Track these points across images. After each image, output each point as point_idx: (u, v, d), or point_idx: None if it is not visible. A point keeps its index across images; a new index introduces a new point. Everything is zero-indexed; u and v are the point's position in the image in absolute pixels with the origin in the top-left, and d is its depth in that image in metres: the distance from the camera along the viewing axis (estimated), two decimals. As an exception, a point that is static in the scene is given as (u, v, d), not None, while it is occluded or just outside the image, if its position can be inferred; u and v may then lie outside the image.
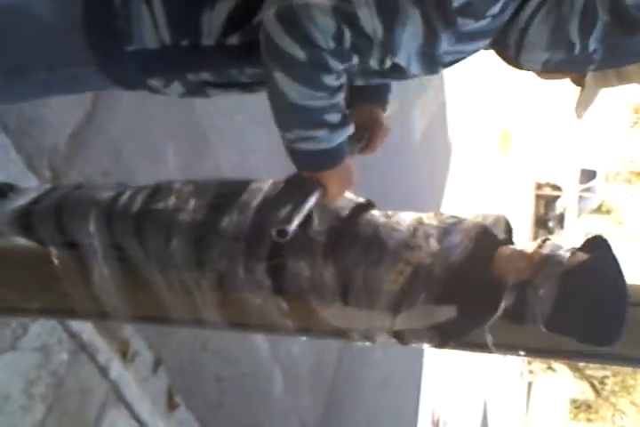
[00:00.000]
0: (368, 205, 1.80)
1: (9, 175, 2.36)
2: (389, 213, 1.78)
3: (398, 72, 1.43)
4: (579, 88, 1.56)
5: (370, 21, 1.29)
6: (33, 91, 1.62)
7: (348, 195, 1.80)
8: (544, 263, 1.60)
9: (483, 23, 1.33)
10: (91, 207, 1.81)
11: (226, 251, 1.69)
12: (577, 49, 1.36)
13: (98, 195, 1.85)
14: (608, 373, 21.93)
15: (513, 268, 1.63)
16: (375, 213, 1.78)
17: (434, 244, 1.67)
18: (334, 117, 1.41)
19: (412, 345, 1.72)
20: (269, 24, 1.31)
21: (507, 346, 1.76)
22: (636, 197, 26.71)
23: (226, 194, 1.77)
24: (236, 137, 3.98)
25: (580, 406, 25.64)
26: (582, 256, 1.61)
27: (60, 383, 2.55)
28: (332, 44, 1.30)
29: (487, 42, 1.42)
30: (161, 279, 1.77)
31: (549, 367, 22.11)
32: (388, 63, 1.39)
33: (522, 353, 1.78)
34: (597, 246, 1.64)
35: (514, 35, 1.40)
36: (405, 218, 1.75)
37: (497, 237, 1.74)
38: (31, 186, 2.31)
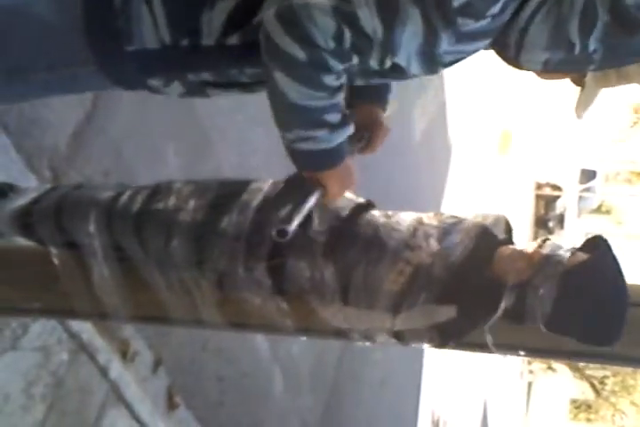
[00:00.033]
0: (368, 206, 1.80)
1: (9, 175, 2.36)
2: (389, 213, 1.78)
3: (398, 72, 1.43)
4: (579, 88, 1.56)
5: (370, 21, 1.29)
6: (33, 91, 1.62)
7: (348, 195, 1.80)
8: (544, 263, 1.60)
9: (483, 23, 1.33)
10: (91, 207, 1.81)
11: (226, 251, 1.69)
12: (577, 49, 1.36)
13: (98, 195, 1.86)
14: (608, 373, 21.93)
15: (513, 268, 1.63)
16: (375, 213, 1.78)
17: (434, 244, 1.67)
18: (334, 117, 1.41)
19: (412, 345, 1.72)
20: (269, 24, 1.31)
21: (507, 346, 1.76)
22: (636, 198, 26.70)
23: (226, 194, 1.77)
24: (237, 137, 3.98)
25: (580, 406, 25.63)
26: (582, 256, 1.61)
27: (60, 383, 2.55)
28: (332, 44, 1.30)
29: (487, 42, 1.42)
30: (161, 279, 1.77)
31: (549, 367, 22.11)
32: (388, 63, 1.39)
33: (522, 353, 1.78)
34: (597, 246, 1.64)
35: (514, 35, 1.40)
36: (405, 218, 1.75)
37: (497, 237, 1.74)
38: (31, 186, 2.31)
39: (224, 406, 3.91)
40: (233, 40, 1.43)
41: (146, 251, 1.76)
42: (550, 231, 20.32)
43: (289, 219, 1.52)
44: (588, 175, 22.31)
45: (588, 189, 22.52)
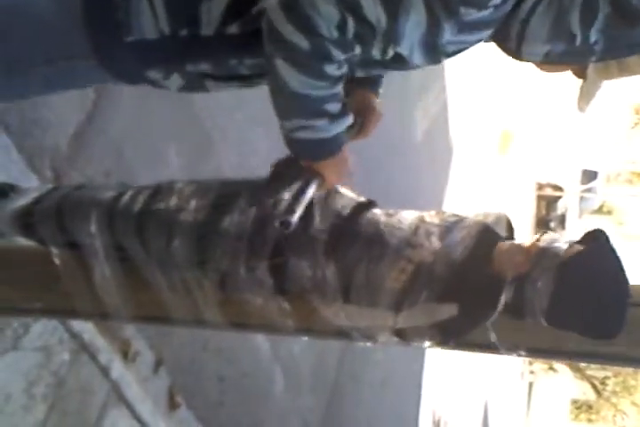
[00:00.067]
0: (369, 204, 1.80)
1: (10, 175, 2.36)
2: (391, 211, 1.78)
3: (400, 62, 1.43)
4: (580, 81, 1.55)
5: (373, 10, 1.29)
6: (33, 87, 1.61)
7: (350, 194, 1.81)
8: (541, 256, 1.60)
9: (485, 13, 1.33)
10: (92, 207, 1.81)
11: (227, 250, 1.69)
12: (578, 40, 1.36)
13: (99, 195, 1.86)
14: (609, 373, 21.93)
15: (511, 262, 1.62)
16: (377, 211, 1.78)
17: (436, 242, 1.67)
18: (334, 107, 1.42)
19: (414, 344, 1.72)
20: (272, 12, 1.31)
21: (508, 346, 1.76)
22: (637, 198, 26.69)
23: (227, 194, 1.77)
24: (238, 137, 3.98)
25: (581, 407, 25.64)
26: (578, 248, 1.61)
27: (61, 383, 2.55)
28: (335, 34, 1.29)
29: (489, 32, 1.41)
30: (162, 279, 1.77)
31: (550, 368, 22.12)
32: (391, 53, 1.38)
33: (523, 353, 1.77)
34: (595, 239, 1.63)
35: (515, 26, 1.39)
36: (407, 216, 1.75)
37: (498, 235, 1.74)
38: (32, 186, 2.32)
39: (225, 406, 3.91)
40: (232, 29, 1.42)
41: (147, 251, 1.76)
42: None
43: (291, 210, 1.53)
44: (590, 176, 22.31)
45: (589, 190, 22.52)
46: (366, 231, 1.71)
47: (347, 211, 1.75)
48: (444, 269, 1.62)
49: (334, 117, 1.43)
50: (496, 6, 1.32)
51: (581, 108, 1.58)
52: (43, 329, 2.46)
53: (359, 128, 1.76)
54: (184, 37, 1.44)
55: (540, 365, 22.45)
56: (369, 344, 1.78)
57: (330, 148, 1.51)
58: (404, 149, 7.73)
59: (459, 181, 10.57)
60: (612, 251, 1.61)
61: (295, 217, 1.52)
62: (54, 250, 1.85)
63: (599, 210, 26.43)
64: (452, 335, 1.69)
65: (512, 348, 1.76)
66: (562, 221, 21.11)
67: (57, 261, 1.84)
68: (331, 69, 1.34)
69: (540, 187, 21.19)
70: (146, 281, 1.79)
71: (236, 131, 3.94)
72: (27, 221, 1.89)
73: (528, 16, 1.37)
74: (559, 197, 21.04)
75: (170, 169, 3.39)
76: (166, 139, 3.44)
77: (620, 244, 1.62)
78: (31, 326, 2.42)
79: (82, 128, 2.82)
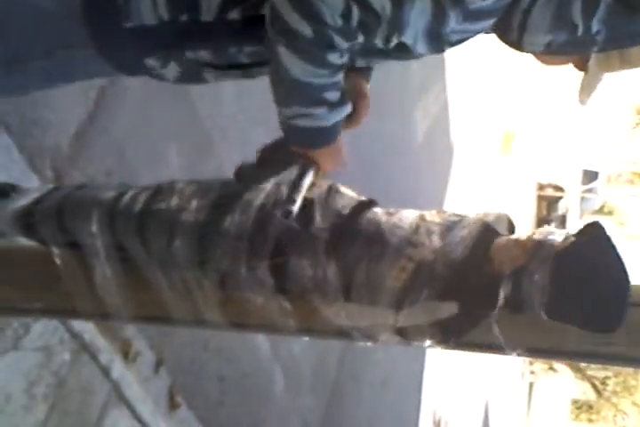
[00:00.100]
0: (370, 203, 1.80)
1: (11, 175, 2.36)
2: (391, 210, 1.78)
3: (403, 51, 1.42)
4: (581, 74, 1.55)
5: None
6: (33, 80, 1.59)
7: (350, 193, 1.81)
8: (537, 248, 1.59)
9: (489, 2, 1.32)
10: (93, 207, 1.81)
11: (228, 250, 1.70)
12: (580, 30, 1.35)
13: (100, 195, 1.86)
14: (610, 373, 21.93)
15: (508, 256, 1.62)
16: (377, 210, 1.78)
17: (436, 240, 1.67)
18: (333, 96, 1.42)
19: (414, 343, 1.72)
20: None
21: (508, 346, 1.76)
22: (638, 198, 26.69)
23: (228, 194, 1.77)
24: (238, 137, 3.98)
25: (581, 407, 25.64)
26: (574, 239, 1.60)
27: (61, 383, 2.55)
28: (339, 22, 1.29)
29: (492, 21, 1.40)
30: (163, 279, 1.77)
31: (551, 368, 22.12)
32: (394, 42, 1.37)
33: (523, 353, 1.77)
34: (591, 230, 1.62)
35: (517, 16, 1.39)
36: (408, 215, 1.75)
37: (499, 234, 1.74)
38: (33, 186, 2.32)
39: (225, 406, 3.91)
40: (233, 15, 1.41)
41: (148, 251, 1.76)
42: (552, 232, 20.27)
43: (291, 199, 1.53)
44: (590, 176, 22.32)
45: (590, 190, 22.52)
46: (367, 230, 1.71)
47: (347, 210, 1.75)
48: (444, 267, 1.62)
49: (333, 106, 1.43)
50: None
51: (582, 101, 1.57)
52: (43, 329, 2.46)
53: (350, 116, 1.76)
54: (184, 23, 1.42)
55: (540, 365, 22.46)
56: (370, 344, 1.78)
57: (327, 136, 1.51)
58: (404, 149, 7.73)
59: (459, 181, 10.57)
60: (609, 242, 1.60)
61: (296, 206, 1.53)
62: (55, 250, 1.85)
63: (600, 210, 26.43)
64: (453, 334, 1.69)
65: (512, 348, 1.76)
66: (563, 221, 21.11)
67: (58, 261, 1.84)
68: (333, 58, 1.34)
69: (541, 187, 21.20)
70: (146, 281, 1.79)
71: (237, 131, 3.94)
72: (28, 220, 1.89)
73: (530, 6, 1.36)
74: (560, 198, 21.05)
75: (170, 169, 3.39)
76: (167, 139, 3.44)
77: (622, 244, 1.60)
78: (32, 326, 2.42)
79: (83, 128, 2.82)
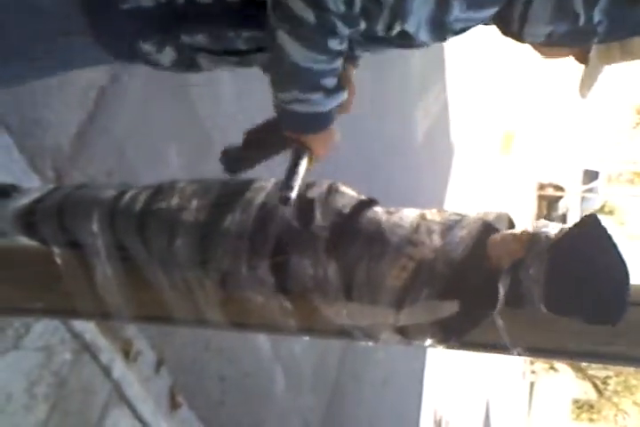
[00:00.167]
0: (370, 202, 1.80)
1: (12, 175, 2.36)
2: (392, 209, 1.78)
3: (405, 39, 1.42)
4: (582, 68, 1.54)
5: None
6: (30, 69, 1.58)
7: (351, 192, 1.81)
8: (533, 241, 1.60)
9: None
10: (94, 206, 1.81)
11: (229, 249, 1.70)
12: (581, 21, 1.34)
13: (101, 194, 1.86)
14: (610, 373, 21.92)
15: (505, 251, 1.63)
16: (378, 209, 1.78)
17: (437, 239, 1.67)
18: (331, 82, 1.42)
19: (415, 342, 1.72)
20: None
21: (509, 346, 1.76)
22: (638, 198, 26.68)
23: (229, 193, 1.77)
24: (239, 137, 3.97)
25: (582, 407, 25.63)
26: (568, 230, 1.60)
27: (62, 383, 2.56)
28: (342, 8, 1.29)
29: (494, 10, 1.40)
30: (164, 279, 1.77)
31: (552, 367, 22.12)
32: (396, 30, 1.37)
33: (524, 353, 1.77)
34: (587, 221, 1.62)
35: (518, 7, 1.38)
36: (408, 214, 1.75)
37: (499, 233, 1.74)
38: (34, 186, 2.32)
39: (226, 406, 3.91)
40: None
41: (149, 250, 1.76)
42: (553, 232, 20.27)
43: (289, 186, 1.54)
44: (591, 176, 22.31)
45: (590, 190, 22.51)
46: (367, 229, 1.71)
47: (348, 209, 1.76)
48: (445, 266, 1.63)
49: (330, 92, 1.43)
50: None
51: (583, 94, 1.56)
52: (44, 329, 2.46)
53: None
54: (181, 5, 1.42)
55: (541, 364, 22.46)
56: (370, 343, 1.78)
57: (322, 122, 1.51)
58: (404, 149, 7.73)
59: (460, 181, 10.57)
60: (604, 232, 1.59)
61: (294, 193, 1.53)
62: (56, 249, 1.85)
63: (600, 210, 26.39)
64: (454, 333, 1.69)
65: (515, 346, 1.76)
66: (563, 221, 21.01)
67: (58, 260, 1.84)
68: (333, 44, 1.34)
69: (542, 187, 21.20)
70: (147, 281, 1.79)
71: (237, 131, 3.93)
72: (28, 220, 1.89)
73: None
74: (560, 197, 21.05)
75: (171, 169, 3.39)
76: (167, 139, 3.44)
77: (623, 244, 1.59)
78: (32, 325, 2.42)
79: (83, 128, 2.82)
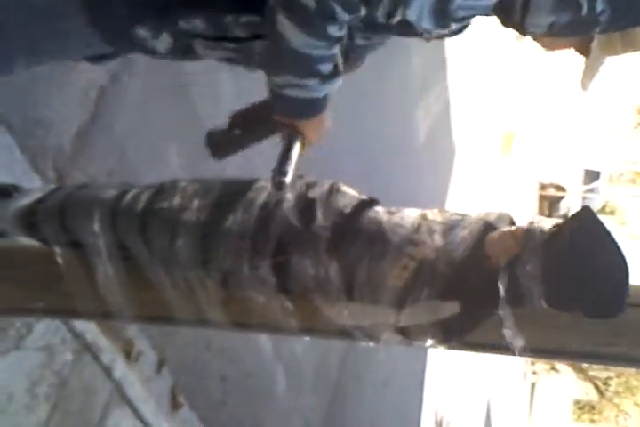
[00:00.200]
0: (372, 202, 1.80)
1: (13, 175, 2.36)
2: (393, 209, 1.78)
3: (405, 27, 1.42)
4: (583, 61, 1.53)
5: None
6: (25, 53, 1.55)
7: (352, 192, 1.81)
8: (527, 236, 1.59)
9: None
10: (95, 206, 1.81)
11: (231, 249, 1.70)
12: (584, 10, 1.34)
13: (102, 194, 1.86)
14: (612, 374, 21.91)
15: (503, 248, 1.62)
16: (379, 209, 1.78)
17: (438, 239, 1.67)
18: (327, 68, 1.42)
19: (416, 343, 1.72)
20: None
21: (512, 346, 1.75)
22: (639, 198, 26.67)
23: (230, 193, 1.77)
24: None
25: (583, 407, 25.60)
26: (561, 223, 1.60)
27: (63, 383, 2.56)
28: None
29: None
30: (165, 278, 1.77)
31: (553, 368, 22.12)
32: (398, 17, 1.37)
33: (525, 353, 1.77)
34: (580, 214, 1.62)
35: None
36: (410, 214, 1.75)
37: None
38: (36, 186, 2.32)
39: (227, 406, 3.91)
40: None
41: (150, 250, 1.76)
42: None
43: (283, 171, 1.54)
44: (592, 176, 22.32)
45: (591, 190, 22.52)
46: (368, 229, 1.71)
47: (349, 209, 1.76)
48: (446, 266, 1.62)
49: (326, 78, 1.43)
50: None
51: (584, 86, 1.55)
52: (45, 329, 2.46)
53: None
54: None
55: (542, 365, 22.45)
56: (372, 344, 1.78)
57: (316, 107, 1.52)
58: (405, 149, 7.73)
59: (461, 181, 10.57)
60: (599, 224, 1.58)
61: (288, 178, 1.54)
62: (57, 249, 1.85)
63: (602, 210, 26.38)
64: (455, 334, 1.69)
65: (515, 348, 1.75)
66: (564, 221, 21.06)
67: (60, 260, 1.84)
68: (333, 30, 1.34)
69: (543, 187, 21.21)
70: (149, 280, 1.79)
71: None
72: (30, 220, 1.89)
73: None
74: (562, 198, 21.05)
75: (171, 169, 3.39)
76: (167, 139, 3.44)
77: (624, 244, 1.59)
78: (34, 325, 2.42)
79: (84, 128, 2.82)
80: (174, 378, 3.27)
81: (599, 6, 1.33)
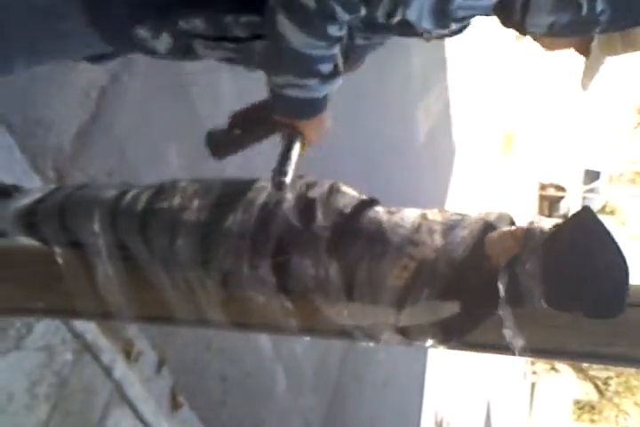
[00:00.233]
0: (372, 202, 1.80)
1: (13, 176, 2.36)
2: (393, 209, 1.78)
3: (405, 27, 1.42)
4: (584, 61, 1.53)
5: None
6: (25, 53, 1.55)
7: (352, 192, 1.81)
8: (527, 236, 1.59)
9: None
10: (95, 206, 1.81)
11: (231, 249, 1.70)
12: (584, 10, 1.34)
13: (102, 194, 1.86)
14: (612, 373, 21.92)
15: (503, 248, 1.62)
16: (379, 209, 1.78)
17: (438, 239, 1.67)
18: (327, 68, 1.42)
19: (416, 343, 1.72)
20: None
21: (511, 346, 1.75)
22: (639, 198, 26.67)
23: (230, 193, 1.77)
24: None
25: (583, 407, 25.61)
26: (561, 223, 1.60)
27: (63, 383, 2.56)
28: None
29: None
30: (165, 278, 1.77)
31: (553, 368, 22.12)
32: (398, 17, 1.37)
33: (525, 353, 1.77)
34: (580, 214, 1.61)
35: None
36: (410, 214, 1.75)
37: None
38: (36, 186, 2.32)
39: (227, 406, 3.91)
40: None
41: (150, 250, 1.76)
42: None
43: (283, 171, 1.55)
44: (592, 176, 22.33)
45: (591, 190, 22.52)
46: (368, 229, 1.71)
47: (349, 209, 1.76)
48: (446, 266, 1.62)
49: (326, 78, 1.44)
50: None
51: (584, 86, 1.55)
52: (45, 329, 2.46)
53: None
54: None
55: (542, 365, 22.46)
56: (372, 344, 1.78)
57: (317, 107, 1.52)
58: (405, 149, 7.73)
59: (461, 181, 10.57)
60: (598, 223, 1.58)
61: (288, 178, 1.54)
62: (57, 249, 1.85)
63: (602, 210, 26.38)
64: (455, 334, 1.69)
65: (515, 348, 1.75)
66: (564, 221, 21.05)
67: (60, 260, 1.84)
68: (333, 30, 1.35)
69: (543, 187, 21.21)
70: (149, 280, 1.79)
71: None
72: (30, 220, 1.89)
73: None
74: (562, 198, 21.05)
75: (171, 169, 3.39)
76: (167, 139, 3.44)
77: (624, 244, 1.58)
78: (34, 325, 2.42)
79: (84, 128, 2.82)
80: (174, 378, 3.27)
81: (599, 6, 1.33)
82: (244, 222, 1.70)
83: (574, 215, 1.62)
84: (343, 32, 1.38)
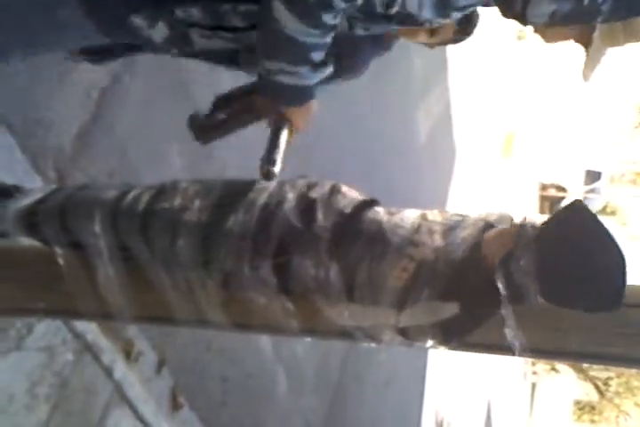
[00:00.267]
0: (372, 203, 1.80)
1: (14, 176, 2.36)
2: (393, 210, 1.78)
3: (405, 16, 1.42)
4: (585, 52, 1.52)
5: None
6: (21, 45, 1.56)
7: (352, 193, 1.81)
8: (519, 232, 1.59)
9: None
10: (96, 207, 1.81)
11: (232, 250, 1.70)
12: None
13: (103, 195, 1.86)
14: (612, 374, 21.93)
15: (498, 246, 1.62)
16: (379, 210, 1.78)
17: (438, 240, 1.67)
18: (319, 56, 1.43)
19: (416, 344, 1.72)
20: None
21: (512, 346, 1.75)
22: (640, 198, 26.68)
23: (231, 193, 1.77)
24: (240, 138, 3.97)
25: (583, 408, 25.61)
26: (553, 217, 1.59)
27: (64, 383, 2.56)
28: None
29: None
30: (166, 279, 1.77)
31: (553, 368, 22.13)
32: (396, 8, 1.38)
33: (526, 354, 1.77)
34: (572, 207, 1.60)
35: None
36: (409, 215, 1.75)
37: None
38: (37, 187, 2.32)
39: (227, 407, 3.91)
40: None
41: (151, 250, 1.76)
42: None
43: (272, 159, 1.56)
44: (593, 176, 22.34)
45: (592, 191, 22.53)
46: (369, 229, 1.71)
47: (349, 209, 1.75)
48: (446, 267, 1.62)
49: (317, 66, 1.45)
50: None
51: (585, 77, 1.54)
52: (46, 329, 2.46)
53: None
54: None
55: (542, 365, 22.46)
56: (372, 345, 1.77)
57: (307, 95, 1.53)
58: (406, 149, 7.74)
59: (462, 182, 10.57)
60: (591, 216, 1.57)
61: (277, 167, 1.54)
62: (58, 250, 1.85)
63: (603, 210, 26.39)
64: (455, 334, 1.69)
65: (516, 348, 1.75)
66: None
67: (60, 260, 1.84)
68: (328, 18, 1.35)
69: (544, 187, 21.22)
70: (149, 281, 1.79)
71: (238, 132, 3.93)
72: (31, 220, 1.89)
73: None
74: (563, 198, 21.05)
75: (172, 169, 3.39)
76: (168, 139, 3.44)
77: (625, 244, 1.57)
78: (34, 326, 2.42)
79: (85, 128, 2.82)
80: (174, 379, 3.27)
81: None
82: (245, 223, 1.70)
83: (565, 209, 1.61)
84: (337, 20, 1.38)
